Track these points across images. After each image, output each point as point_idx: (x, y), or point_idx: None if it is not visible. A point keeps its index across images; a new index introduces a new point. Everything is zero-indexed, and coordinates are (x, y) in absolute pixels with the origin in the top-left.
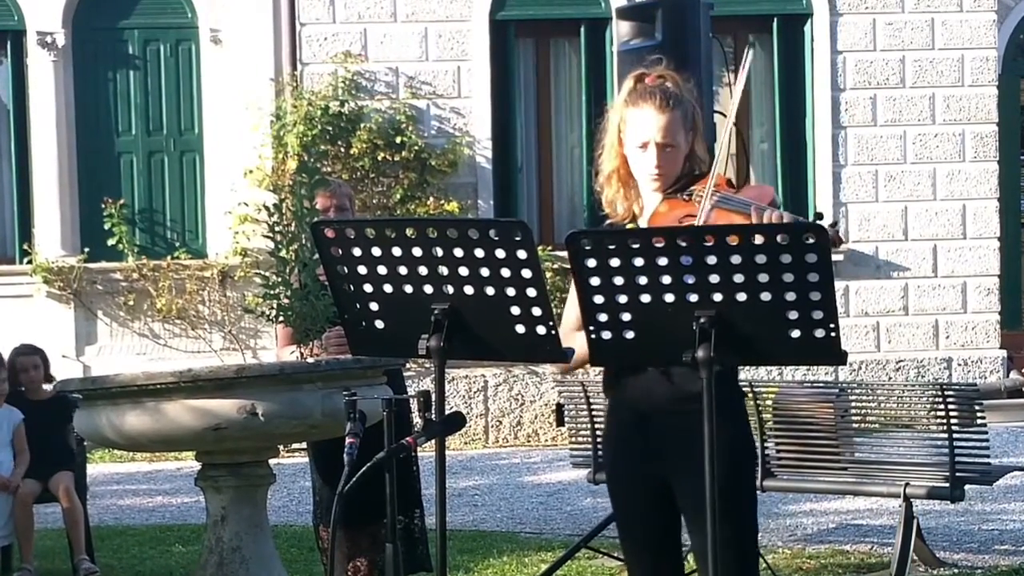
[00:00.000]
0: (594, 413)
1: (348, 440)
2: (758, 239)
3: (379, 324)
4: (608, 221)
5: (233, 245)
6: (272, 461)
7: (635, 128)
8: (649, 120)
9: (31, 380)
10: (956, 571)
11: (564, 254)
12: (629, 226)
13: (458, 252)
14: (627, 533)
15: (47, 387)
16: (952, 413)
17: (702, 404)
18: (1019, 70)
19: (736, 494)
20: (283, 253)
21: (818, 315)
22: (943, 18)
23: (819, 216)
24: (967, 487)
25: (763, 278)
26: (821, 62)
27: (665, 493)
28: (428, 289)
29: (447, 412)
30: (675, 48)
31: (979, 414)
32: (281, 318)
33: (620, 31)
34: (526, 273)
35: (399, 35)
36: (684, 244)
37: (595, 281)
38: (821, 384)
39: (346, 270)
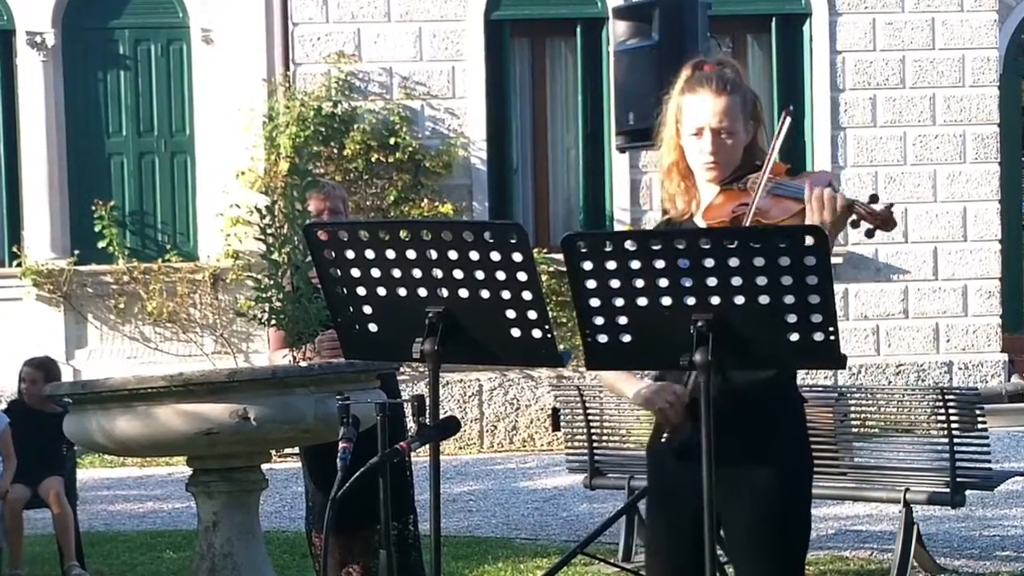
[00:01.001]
0: (590, 418)
1: (341, 445)
2: (756, 242)
3: (373, 327)
4: (666, 216)
5: (225, 247)
6: (264, 466)
7: (690, 115)
8: (704, 105)
9: (30, 394)
10: None
11: (560, 257)
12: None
13: (453, 255)
14: (654, 550)
15: None
16: (953, 417)
17: (761, 412)
18: (1020, 70)
19: (784, 509)
20: (275, 256)
21: (817, 318)
22: (943, 18)
23: (874, 198)
24: (968, 492)
25: (761, 281)
26: (820, 62)
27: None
28: (422, 292)
29: (441, 416)
30: (672, 48)
31: (980, 419)
32: (273, 321)
33: (617, 31)
34: (522, 276)
35: (393, 35)
36: (681, 247)
37: (591, 284)
38: (820, 388)
39: (339, 273)
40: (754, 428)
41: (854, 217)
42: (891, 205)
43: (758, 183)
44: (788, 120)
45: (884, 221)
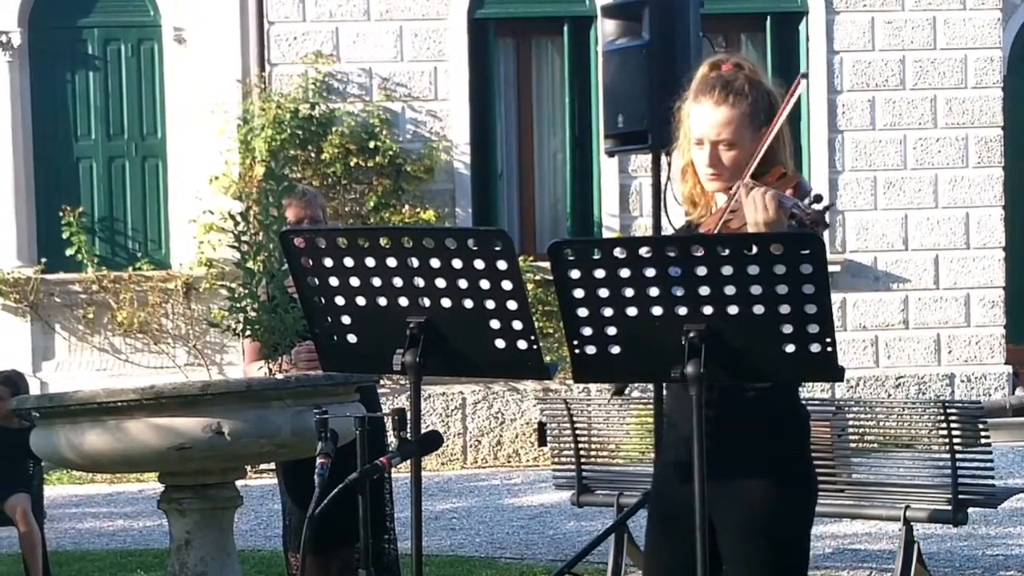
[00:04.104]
0: (577, 432)
1: (319, 460)
2: (750, 249)
3: (352, 338)
4: (686, 219)
5: (198, 255)
6: (239, 482)
7: (693, 124)
8: (705, 116)
9: None
10: None
11: (546, 265)
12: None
13: (435, 263)
14: (655, 570)
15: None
16: (955, 432)
17: (745, 427)
18: None
19: (778, 527)
20: (250, 264)
21: (814, 329)
22: (945, 16)
23: (817, 198)
24: (970, 510)
25: (756, 290)
26: (817, 63)
27: (706, 527)
28: (403, 302)
29: (423, 431)
30: (664, 48)
31: (983, 433)
32: (248, 332)
33: (605, 30)
34: (506, 285)
35: (372, 34)
36: (672, 255)
37: (579, 293)
38: (817, 402)
39: (317, 282)
40: (750, 443)
41: (792, 220)
42: (828, 207)
43: (734, 191)
44: (798, 91)
45: (815, 222)
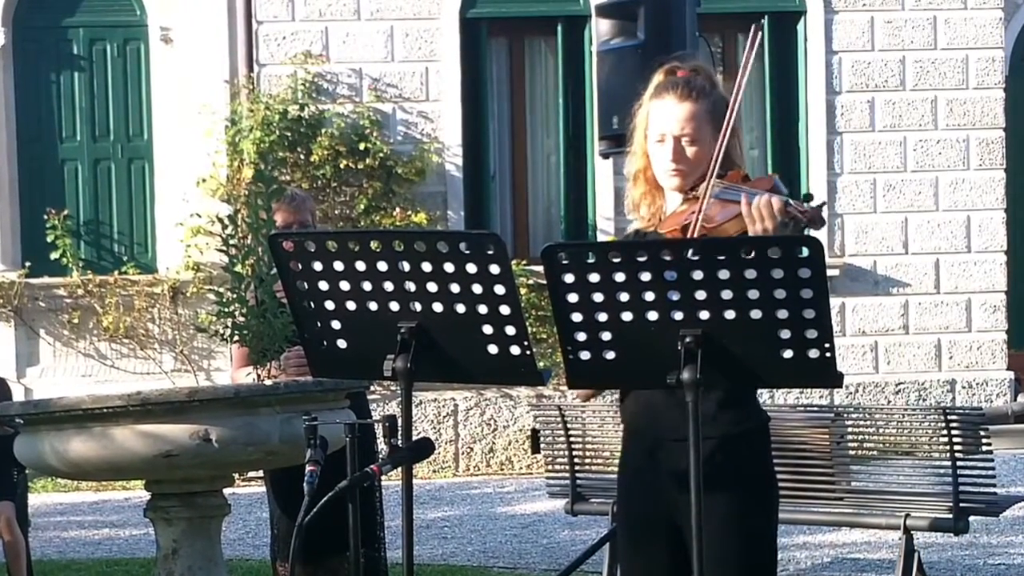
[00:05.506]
0: (572, 439)
1: (308, 468)
2: (748, 252)
3: (342, 344)
4: (634, 227)
5: (185, 259)
6: (227, 490)
7: (655, 121)
8: (668, 111)
9: None
10: None
11: (540, 269)
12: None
13: (426, 267)
14: None
15: None
16: (956, 439)
17: (713, 432)
18: None
19: (747, 538)
20: (238, 268)
21: (812, 334)
22: (946, 16)
23: (808, 197)
24: (972, 518)
25: (753, 294)
26: (815, 63)
27: (676, 538)
28: (394, 306)
29: (414, 438)
30: (659, 48)
31: (984, 440)
32: (236, 337)
33: (600, 30)
34: (499, 289)
35: (363, 34)
36: (668, 258)
37: (573, 298)
38: (815, 408)
39: (306, 286)
40: (715, 451)
41: (788, 219)
42: (823, 204)
43: (704, 189)
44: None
45: (813, 219)
